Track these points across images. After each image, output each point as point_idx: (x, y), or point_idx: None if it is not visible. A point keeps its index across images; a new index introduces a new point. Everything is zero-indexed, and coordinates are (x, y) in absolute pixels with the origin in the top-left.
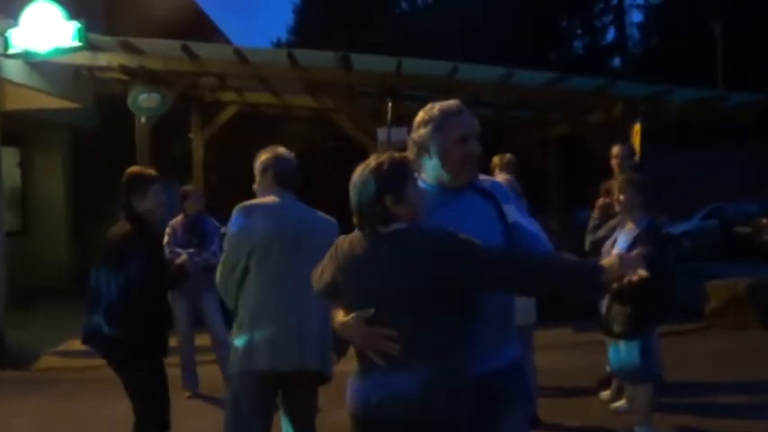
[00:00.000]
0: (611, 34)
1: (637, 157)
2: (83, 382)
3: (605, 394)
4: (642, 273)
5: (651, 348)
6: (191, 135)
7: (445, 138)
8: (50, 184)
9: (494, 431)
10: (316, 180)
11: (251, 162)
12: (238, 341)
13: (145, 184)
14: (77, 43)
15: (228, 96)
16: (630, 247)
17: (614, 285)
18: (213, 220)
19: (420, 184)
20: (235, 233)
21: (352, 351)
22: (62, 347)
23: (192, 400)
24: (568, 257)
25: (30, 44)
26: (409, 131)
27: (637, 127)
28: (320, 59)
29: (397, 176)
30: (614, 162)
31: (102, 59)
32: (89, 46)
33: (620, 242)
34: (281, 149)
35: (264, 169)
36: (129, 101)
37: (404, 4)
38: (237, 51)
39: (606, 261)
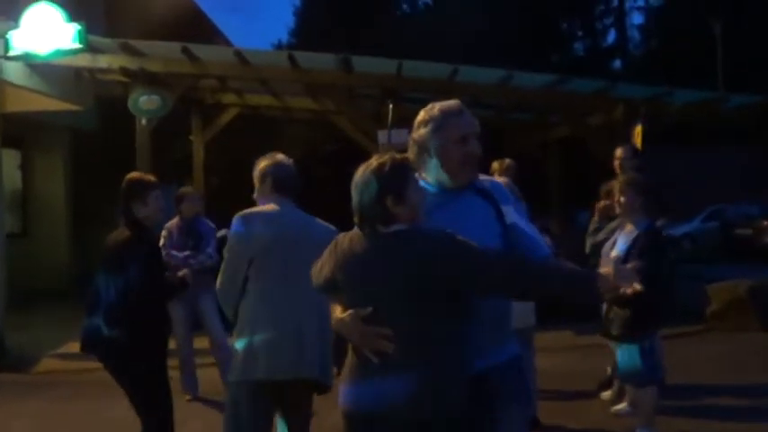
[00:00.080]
0: (611, 36)
1: (639, 158)
2: (82, 385)
3: (606, 395)
4: (636, 286)
5: (653, 351)
6: (191, 137)
7: (445, 137)
8: (51, 186)
9: (490, 428)
10: (316, 183)
11: (251, 164)
12: (238, 347)
13: (145, 190)
14: (78, 45)
15: (229, 98)
16: (629, 249)
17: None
18: (209, 222)
19: (420, 183)
20: (235, 241)
21: None
22: (62, 350)
23: (192, 404)
24: (565, 264)
25: (30, 46)
26: (410, 133)
27: (638, 129)
28: (321, 61)
29: (398, 177)
30: (617, 163)
31: (103, 61)
32: (89, 48)
33: (619, 244)
34: (280, 156)
35: (263, 177)
36: (130, 103)
37: (404, 6)
38: (238, 53)
39: (602, 271)
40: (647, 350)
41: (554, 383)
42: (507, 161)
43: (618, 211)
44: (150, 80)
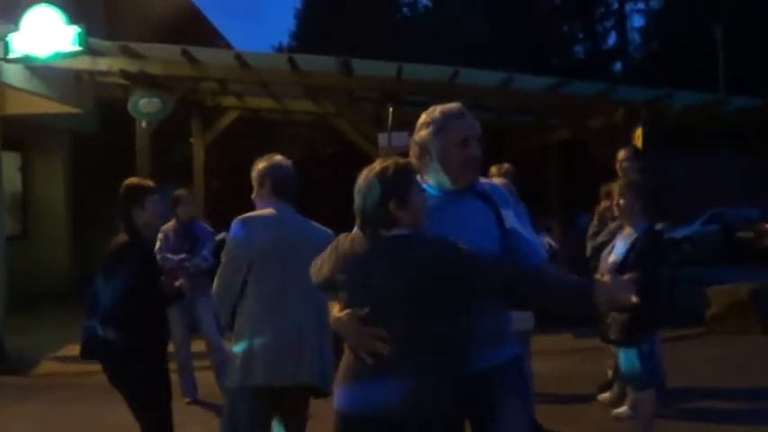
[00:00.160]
0: (612, 39)
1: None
2: (82, 388)
3: (604, 397)
4: (633, 299)
5: (652, 354)
6: (191, 140)
7: (446, 140)
8: (51, 188)
9: (491, 427)
10: (316, 185)
11: (252, 167)
12: (236, 353)
13: (143, 195)
14: (78, 48)
15: (229, 101)
16: (628, 252)
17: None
18: (206, 225)
19: (422, 186)
20: (234, 245)
21: None
22: (62, 353)
23: (191, 407)
24: (563, 273)
25: (30, 49)
26: (410, 136)
27: (638, 131)
28: (321, 64)
29: (401, 182)
30: (619, 166)
31: (103, 64)
32: (89, 51)
33: (617, 247)
34: (279, 158)
35: (262, 180)
36: (130, 105)
37: (405, 9)
38: (238, 56)
39: (598, 283)
40: (645, 353)
41: (554, 387)
42: (506, 166)
43: (617, 213)
44: (150, 83)
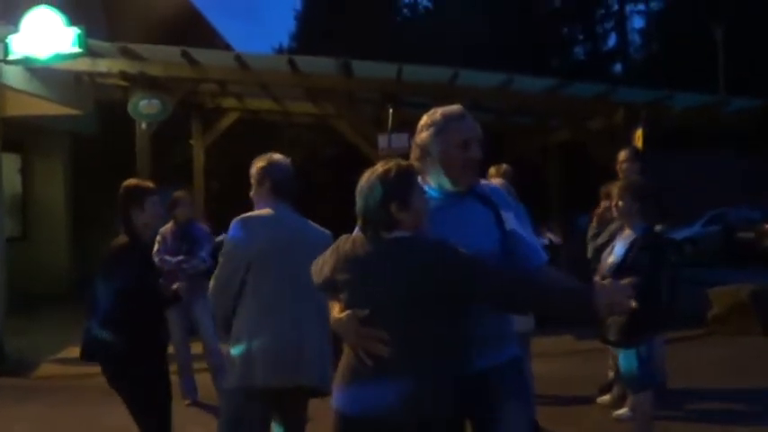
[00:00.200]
0: (612, 40)
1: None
2: (82, 390)
3: (604, 399)
4: (632, 304)
5: (650, 357)
6: (191, 141)
7: (447, 142)
8: (51, 190)
9: (491, 427)
10: (316, 187)
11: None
12: (236, 353)
13: (143, 196)
14: (77, 49)
15: (229, 103)
16: (626, 252)
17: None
18: (203, 227)
19: (424, 188)
20: (232, 246)
21: None
22: (61, 354)
23: (191, 408)
24: (562, 278)
25: (30, 50)
26: (410, 138)
27: (638, 133)
28: (321, 66)
29: (403, 184)
30: (620, 167)
31: (103, 66)
32: (89, 52)
33: (617, 248)
34: (278, 157)
35: (261, 179)
36: (130, 107)
37: (405, 11)
38: (238, 57)
39: (598, 287)
40: (643, 356)
41: (554, 388)
42: (504, 166)
43: (615, 215)
44: (150, 84)
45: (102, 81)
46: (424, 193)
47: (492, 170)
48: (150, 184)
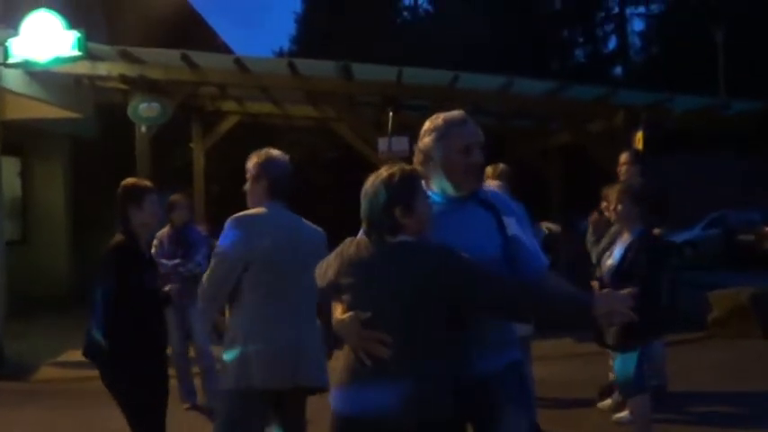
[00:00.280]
0: (612, 43)
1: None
2: (82, 394)
3: (605, 404)
4: (632, 314)
5: (648, 361)
6: (191, 145)
7: (448, 147)
8: (51, 193)
9: (491, 430)
10: (316, 191)
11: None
12: (231, 356)
13: (141, 194)
14: (77, 52)
15: (229, 106)
16: (624, 255)
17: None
18: (200, 230)
19: (428, 193)
20: (228, 246)
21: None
22: (61, 358)
23: (190, 412)
24: (562, 286)
25: (30, 53)
26: (410, 141)
27: (638, 135)
28: (321, 69)
29: (407, 189)
30: (621, 169)
31: (102, 69)
32: (89, 55)
33: (615, 252)
34: (275, 153)
35: (257, 176)
36: (130, 110)
37: (405, 14)
38: (238, 61)
39: (598, 296)
40: (641, 360)
41: (554, 391)
42: (501, 166)
43: (614, 219)
44: (150, 87)
45: (101, 84)
46: (428, 198)
47: (489, 169)
48: (149, 183)
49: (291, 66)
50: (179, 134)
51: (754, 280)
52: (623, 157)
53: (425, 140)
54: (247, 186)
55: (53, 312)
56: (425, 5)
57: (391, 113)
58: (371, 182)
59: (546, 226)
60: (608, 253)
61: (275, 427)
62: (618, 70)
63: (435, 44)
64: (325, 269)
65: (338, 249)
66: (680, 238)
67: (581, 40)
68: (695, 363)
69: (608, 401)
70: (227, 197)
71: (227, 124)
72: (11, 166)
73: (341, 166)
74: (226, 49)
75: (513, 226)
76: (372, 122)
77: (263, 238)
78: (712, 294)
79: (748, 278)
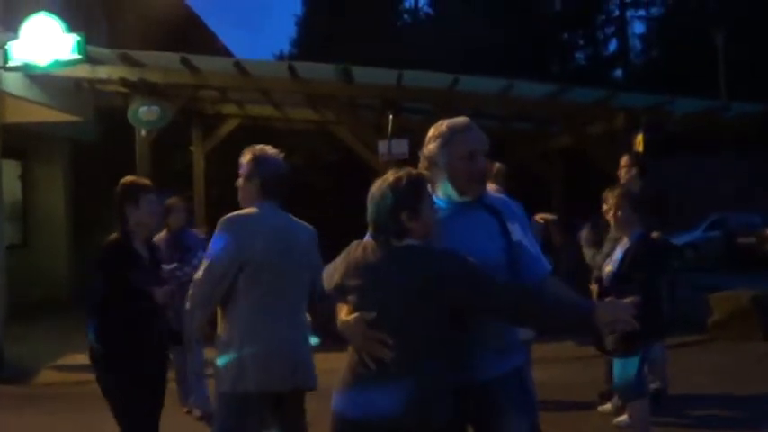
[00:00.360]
0: (612, 45)
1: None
2: (82, 397)
3: (605, 408)
4: (634, 323)
5: (645, 365)
6: (191, 148)
7: (452, 154)
8: (51, 197)
9: None
10: (316, 193)
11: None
12: (225, 359)
13: (138, 193)
14: (77, 56)
15: (229, 109)
16: (623, 258)
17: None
18: (197, 233)
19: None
20: (220, 249)
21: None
22: (61, 362)
23: (189, 416)
24: (565, 293)
25: (30, 57)
26: (410, 144)
27: (639, 138)
28: (321, 72)
29: (413, 193)
30: (622, 172)
31: (102, 72)
32: (89, 59)
33: (615, 255)
34: (269, 151)
35: (249, 174)
36: (130, 114)
37: (405, 17)
38: (237, 64)
39: (600, 305)
40: (640, 364)
41: (555, 394)
42: (497, 165)
43: (613, 224)
44: (150, 91)
45: (101, 88)
46: (435, 202)
47: None
48: (147, 182)
49: (291, 69)
50: (179, 137)
51: (755, 282)
52: (623, 160)
53: (430, 147)
54: (239, 183)
55: (53, 316)
56: (426, 8)
57: (391, 116)
58: (378, 186)
59: (540, 216)
60: (608, 259)
61: (274, 431)
62: (618, 73)
63: (435, 47)
64: (332, 272)
65: (344, 252)
66: (681, 240)
67: (581, 42)
68: (696, 366)
69: (608, 405)
70: (227, 200)
71: (227, 127)
72: (11, 169)
73: (341, 170)
74: (226, 53)
75: (517, 232)
76: (372, 125)
77: (256, 239)
78: (713, 297)
79: (749, 280)
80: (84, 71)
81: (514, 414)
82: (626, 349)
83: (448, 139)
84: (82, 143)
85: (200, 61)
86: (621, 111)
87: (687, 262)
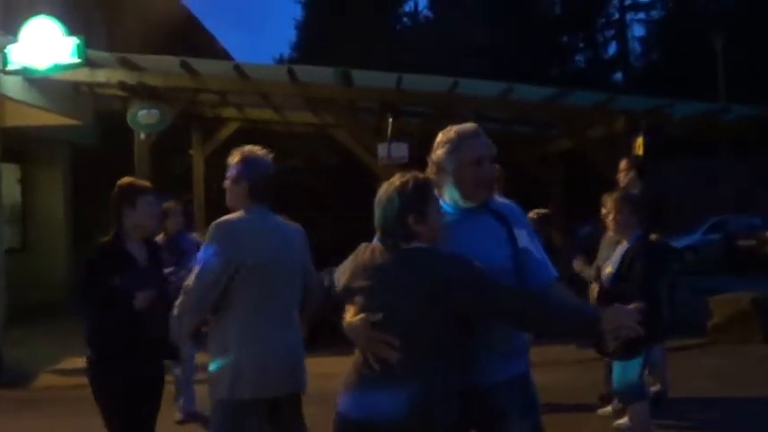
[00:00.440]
0: (612, 48)
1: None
2: (81, 401)
3: (605, 411)
4: (638, 329)
5: (645, 368)
6: (191, 151)
7: (460, 159)
8: (50, 200)
9: None
10: (316, 197)
11: None
12: (220, 364)
13: (135, 194)
14: (76, 60)
15: (229, 112)
16: (622, 260)
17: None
18: (193, 238)
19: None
20: (211, 256)
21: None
22: (60, 365)
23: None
24: (570, 300)
25: (29, 60)
26: (409, 147)
27: (638, 141)
28: (320, 75)
29: (420, 196)
30: (621, 175)
31: (102, 76)
32: (88, 62)
33: (614, 258)
34: (257, 152)
35: (237, 177)
36: (129, 117)
37: (405, 20)
38: (237, 67)
39: (605, 312)
40: (641, 368)
41: (555, 397)
42: (497, 168)
43: (612, 227)
44: (149, 94)
45: (101, 91)
46: (441, 206)
47: None
48: (145, 183)
49: (291, 72)
50: (179, 141)
51: (755, 285)
52: (622, 164)
53: (438, 153)
54: (227, 185)
55: (52, 319)
56: (425, 11)
57: (391, 120)
58: (385, 190)
59: (535, 212)
60: (608, 261)
61: None
62: (618, 76)
63: (435, 50)
64: (341, 275)
65: (352, 255)
66: (681, 243)
67: (581, 45)
68: (696, 369)
69: (608, 408)
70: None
71: (226, 131)
72: (10, 173)
73: (340, 173)
74: (225, 56)
75: (523, 238)
76: (372, 129)
77: (247, 243)
78: (713, 299)
79: (749, 283)
80: (83, 75)
81: (518, 419)
82: (626, 351)
83: (456, 144)
84: (81, 147)
85: (200, 65)
86: (621, 114)
87: (687, 265)
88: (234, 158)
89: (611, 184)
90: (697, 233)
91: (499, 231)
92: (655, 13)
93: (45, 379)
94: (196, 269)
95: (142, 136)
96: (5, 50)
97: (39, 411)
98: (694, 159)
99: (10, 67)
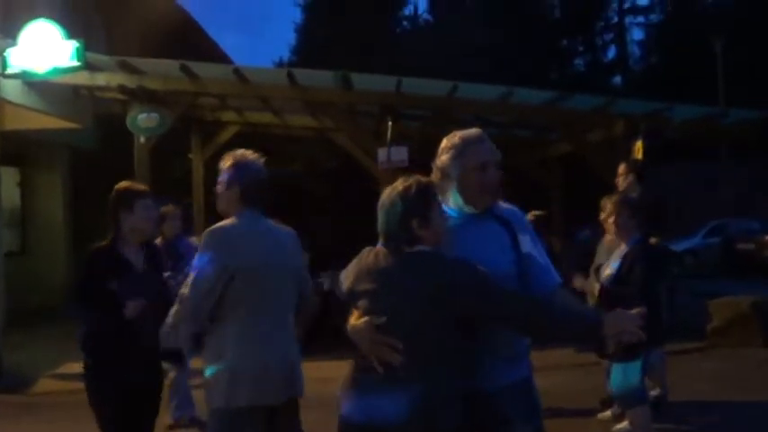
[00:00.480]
0: (611, 52)
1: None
2: (81, 406)
3: (605, 415)
4: (641, 334)
5: (645, 372)
6: (191, 155)
7: (464, 165)
8: (50, 204)
9: None
10: (316, 201)
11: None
12: (216, 369)
13: (132, 198)
14: (76, 63)
15: (229, 116)
16: (621, 263)
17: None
18: (191, 241)
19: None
20: (207, 263)
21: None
22: (60, 370)
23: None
24: (573, 305)
25: (28, 64)
26: (409, 151)
27: (638, 144)
28: (320, 79)
29: (423, 201)
30: (620, 179)
31: (101, 79)
32: (87, 66)
33: (613, 260)
34: (249, 156)
35: (229, 183)
36: (129, 121)
37: (405, 23)
38: (237, 71)
39: (607, 317)
40: (640, 371)
41: (556, 401)
42: None
43: (611, 230)
44: (149, 98)
45: (100, 95)
46: (444, 210)
47: None
48: (143, 187)
49: (290, 76)
50: (178, 145)
51: (755, 288)
52: (621, 168)
53: (443, 158)
54: (219, 189)
55: (52, 323)
56: (425, 15)
57: (390, 123)
58: (388, 194)
59: (532, 213)
60: (607, 263)
61: None
62: (617, 79)
63: (435, 54)
64: (345, 278)
65: (356, 259)
66: (680, 246)
67: (581, 49)
68: (695, 372)
69: (607, 413)
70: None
71: (226, 134)
72: (10, 176)
73: (340, 176)
74: (225, 60)
75: (527, 243)
76: (371, 132)
77: (242, 249)
78: (712, 303)
79: (748, 287)
80: (82, 78)
81: (521, 424)
82: (626, 353)
83: (461, 150)
84: (81, 150)
85: (200, 68)
86: (620, 117)
87: (686, 268)
88: (225, 163)
89: (610, 188)
90: (696, 237)
91: (503, 237)
92: (654, 17)
93: (44, 384)
94: (191, 277)
95: (142, 139)
96: (5, 54)
97: (38, 416)
98: (694, 163)
99: (9, 71)
